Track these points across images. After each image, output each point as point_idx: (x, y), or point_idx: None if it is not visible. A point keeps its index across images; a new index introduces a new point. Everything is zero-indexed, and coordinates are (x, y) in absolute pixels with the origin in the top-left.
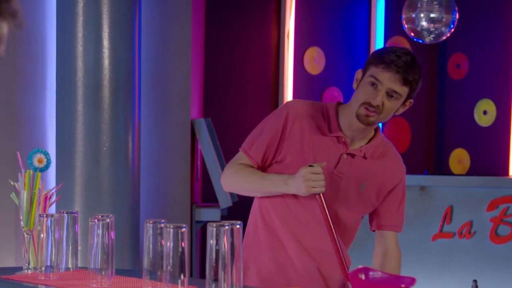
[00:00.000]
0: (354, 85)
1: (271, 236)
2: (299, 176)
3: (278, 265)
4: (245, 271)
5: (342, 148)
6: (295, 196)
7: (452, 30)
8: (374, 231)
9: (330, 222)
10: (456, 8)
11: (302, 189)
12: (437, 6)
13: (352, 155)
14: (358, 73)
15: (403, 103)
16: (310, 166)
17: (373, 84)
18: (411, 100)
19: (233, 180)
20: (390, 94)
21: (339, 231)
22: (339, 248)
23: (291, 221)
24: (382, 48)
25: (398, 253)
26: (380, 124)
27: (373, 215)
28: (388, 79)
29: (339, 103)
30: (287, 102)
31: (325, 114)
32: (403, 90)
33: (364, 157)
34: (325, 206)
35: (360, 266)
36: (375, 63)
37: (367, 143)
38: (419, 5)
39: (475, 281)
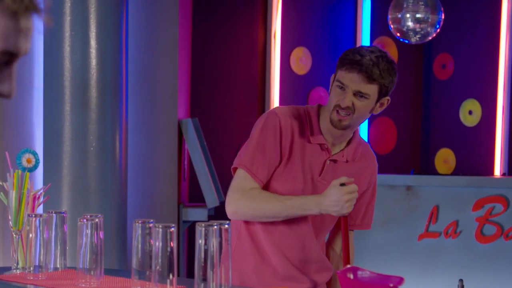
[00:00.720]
0: (330, 88)
1: (254, 245)
2: (338, 197)
3: (262, 276)
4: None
5: (325, 154)
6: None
7: (438, 30)
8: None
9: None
10: (442, 9)
11: (343, 210)
12: (423, 6)
13: (335, 161)
14: (332, 78)
15: (378, 102)
16: (342, 185)
17: (341, 87)
18: (388, 98)
19: (249, 208)
20: (358, 95)
21: (323, 235)
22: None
23: (275, 232)
24: (347, 50)
25: (353, 251)
26: (366, 122)
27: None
28: (351, 81)
29: (319, 106)
30: (275, 113)
31: (307, 120)
32: (370, 89)
33: (346, 162)
34: (347, 227)
35: (349, 266)
36: (339, 65)
37: (346, 145)
38: (405, 5)
39: (461, 280)
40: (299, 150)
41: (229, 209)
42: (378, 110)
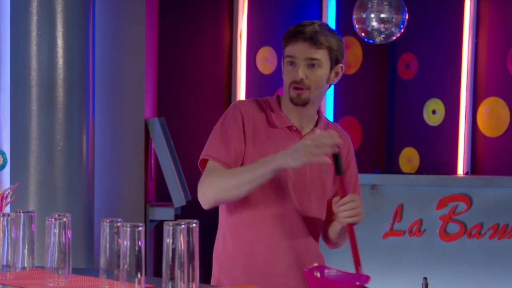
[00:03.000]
0: (283, 71)
1: (240, 248)
2: (297, 145)
3: (251, 276)
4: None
5: (296, 136)
6: (264, 206)
7: (402, 30)
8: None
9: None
10: (406, 9)
11: (303, 158)
12: (387, 6)
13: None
14: (282, 61)
15: (333, 70)
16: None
17: (291, 63)
18: (341, 65)
19: (218, 185)
20: (310, 64)
21: (313, 224)
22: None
23: (261, 229)
24: (287, 31)
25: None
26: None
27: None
28: (300, 50)
29: (278, 96)
30: (235, 104)
31: (268, 108)
32: (321, 54)
33: None
34: (355, 237)
35: (316, 264)
36: (285, 42)
37: (315, 126)
38: (369, 5)
39: (425, 278)
40: (265, 135)
41: (200, 195)
42: (334, 80)
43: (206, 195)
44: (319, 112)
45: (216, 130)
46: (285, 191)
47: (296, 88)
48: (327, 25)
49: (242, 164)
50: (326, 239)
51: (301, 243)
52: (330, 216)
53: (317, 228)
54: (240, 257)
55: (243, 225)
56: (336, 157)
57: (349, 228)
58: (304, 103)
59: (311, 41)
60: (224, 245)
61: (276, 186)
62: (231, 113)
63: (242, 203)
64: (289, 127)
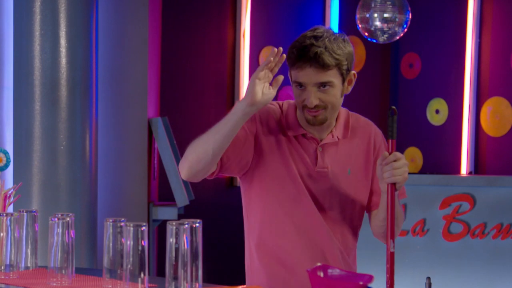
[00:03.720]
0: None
1: (265, 262)
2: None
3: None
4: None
5: (313, 143)
6: (284, 217)
7: (405, 30)
8: (370, 212)
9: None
10: (409, 9)
11: (259, 94)
12: (391, 6)
13: (327, 144)
14: (289, 76)
15: (345, 82)
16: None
17: (300, 86)
18: (354, 72)
19: (193, 150)
20: (321, 86)
21: (340, 229)
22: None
23: (285, 240)
24: (291, 46)
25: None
26: None
27: (370, 196)
28: (307, 77)
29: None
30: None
31: (284, 115)
32: (331, 75)
33: (338, 141)
34: (394, 203)
35: (319, 264)
36: (290, 65)
37: (335, 125)
38: (372, 5)
39: (428, 278)
40: (284, 142)
41: (181, 167)
42: (349, 89)
43: (182, 161)
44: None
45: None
46: (303, 200)
47: (310, 111)
48: (330, 35)
49: (257, 167)
50: (379, 236)
51: (326, 251)
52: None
53: (344, 232)
54: (265, 269)
55: (266, 238)
56: (390, 119)
57: (390, 190)
58: (322, 123)
59: (318, 64)
60: (251, 258)
61: (294, 196)
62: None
63: (262, 216)
64: (304, 135)
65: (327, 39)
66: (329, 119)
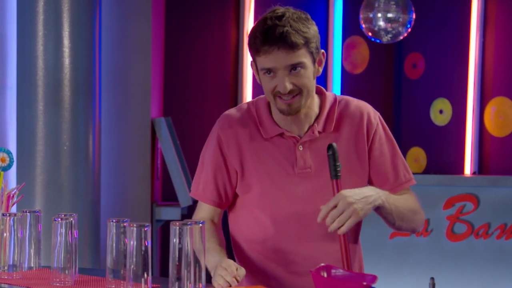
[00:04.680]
0: (257, 78)
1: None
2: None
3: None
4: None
5: (291, 142)
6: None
7: (409, 30)
8: None
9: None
10: (413, 8)
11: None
12: (394, 6)
13: (307, 142)
14: (252, 65)
15: (316, 62)
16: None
17: (269, 72)
18: (322, 51)
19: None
20: (291, 69)
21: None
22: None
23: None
24: (251, 31)
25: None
26: None
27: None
28: (277, 61)
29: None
30: (214, 128)
31: (256, 117)
32: (300, 55)
33: (320, 136)
34: (347, 250)
35: (322, 264)
36: (254, 53)
37: (316, 117)
38: (376, 5)
39: (432, 278)
40: (254, 154)
41: None
42: (320, 70)
43: None
44: (322, 94)
45: (200, 163)
46: (284, 207)
47: (282, 98)
48: (292, 14)
49: (242, 187)
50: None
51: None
52: None
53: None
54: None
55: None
56: (330, 157)
57: (340, 238)
58: (297, 111)
59: (286, 45)
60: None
61: (275, 205)
62: (210, 144)
63: (246, 233)
64: (281, 135)
65: (290, 18)
66: (304, 107)
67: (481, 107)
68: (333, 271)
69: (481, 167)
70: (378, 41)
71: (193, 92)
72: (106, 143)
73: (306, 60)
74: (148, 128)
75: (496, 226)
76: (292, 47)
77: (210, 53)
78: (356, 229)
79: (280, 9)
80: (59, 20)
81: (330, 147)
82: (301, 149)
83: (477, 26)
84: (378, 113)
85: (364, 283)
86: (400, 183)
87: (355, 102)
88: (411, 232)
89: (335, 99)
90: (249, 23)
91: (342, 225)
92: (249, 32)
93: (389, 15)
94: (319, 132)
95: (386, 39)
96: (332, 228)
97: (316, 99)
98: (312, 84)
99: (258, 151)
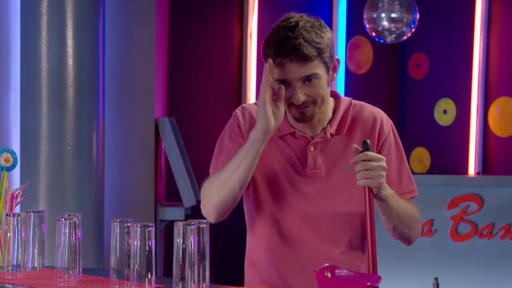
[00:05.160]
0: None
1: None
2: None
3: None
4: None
5: (303, 142)
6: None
7: (413, 30)
8: None
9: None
10: (417, 8)
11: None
12: (398, 6)
13: (319, 143)
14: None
15: (330, 70)
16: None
17: (283, 83)
18: (336, 58)
19: (211, 188)
20: (305, 80)
21: (352, 231)
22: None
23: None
24: (264, 41)
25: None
26: None
27: None
28: (290, 73)
29: None
30: (235, 113)
31: None
32: (314, 66)
33: (332, 138)
34: (372, 207)
35: (326, 264)
36: (267, 62)
37: (330, 120)
38: (380, 5)
39: (436, 278)
40: (268, 147)
41: (202, 210)
42: (334, 76)
43: (206, 205)
44: (337, 98)
45: (218, 145)
46: (292, 206)
47: (297, 108)
48: (305, 23)
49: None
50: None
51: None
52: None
53: (347, 232)
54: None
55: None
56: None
57: (366, 194)
58: (311, 119)
59: (298, 58)
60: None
61: (281, 207)
62: (230, 127)
63: (252, 230)
64: (292, 134)
65: (303, 29)
66: (318, 113)
67: (485, 107)
68: (337, 271)
69: (485, 167)
70: (382, 41)
71: (197, 92)
72: (110, 143)
73: (320, 70)
74: (152, 128)
75: (500, 226)
76: (305, 59)
77: (214, 53)
78: (363, 232)
79: (294, 18)
80: (62, 20)
81: (364, 142)
82: (312, 149)
83: (481, 26)
84: (391, 122)
85: (368, 284)
86: (402, 193)
87: (370, 108)
88: (405, 241)
89: (350, 103)
90: (253, 23)
91: (362, 179)
92: (263, 41)
93: (393, 15)
94: (332, 135)
95: (390, 39)
96: (357, 169)
97: (331, 103)
98: (326, 92)
99: (270, 146)
